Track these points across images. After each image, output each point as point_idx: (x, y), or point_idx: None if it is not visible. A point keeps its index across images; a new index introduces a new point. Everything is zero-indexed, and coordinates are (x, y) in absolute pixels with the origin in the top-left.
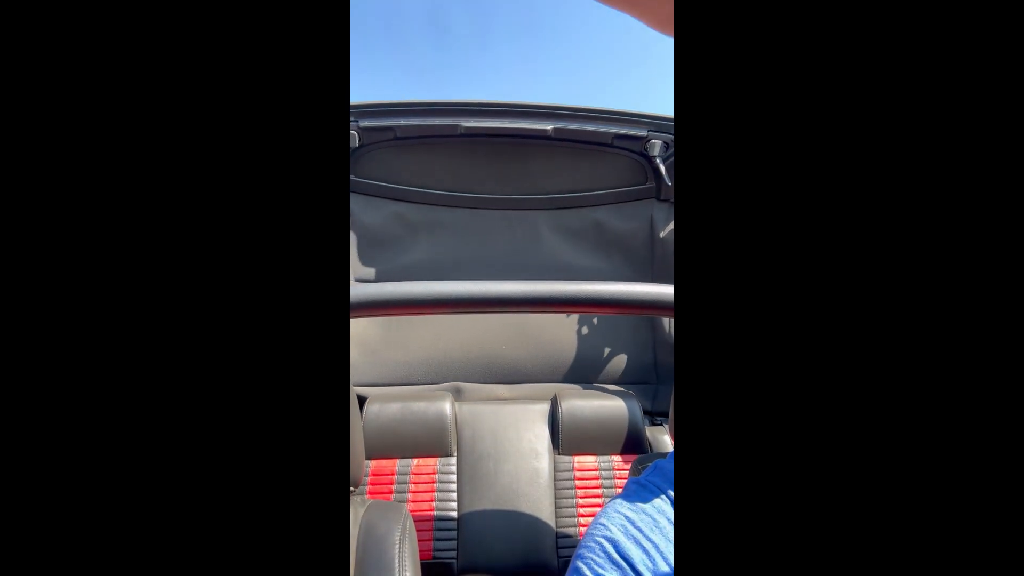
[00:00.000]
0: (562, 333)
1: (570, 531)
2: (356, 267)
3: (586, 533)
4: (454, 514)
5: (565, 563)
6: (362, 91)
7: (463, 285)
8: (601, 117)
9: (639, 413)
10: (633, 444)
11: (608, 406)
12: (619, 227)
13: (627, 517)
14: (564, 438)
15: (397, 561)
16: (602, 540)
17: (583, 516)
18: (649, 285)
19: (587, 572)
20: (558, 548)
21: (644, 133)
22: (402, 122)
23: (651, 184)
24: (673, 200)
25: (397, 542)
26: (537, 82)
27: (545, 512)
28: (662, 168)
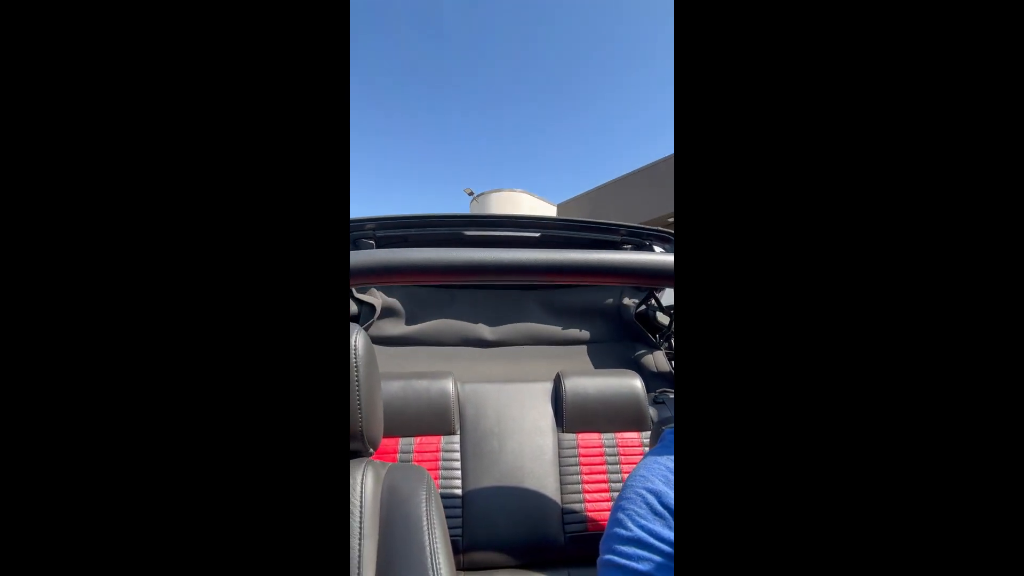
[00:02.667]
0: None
1: (576, 507)
2: (374, 328)
3: (625, 485)
4: (459, 491)
5: (571, 539)
6: (361, 85)
7: (465, 253)
8: (581, 226)
9: (642, 391)
10: (636, 421)
11: (611, 384)
12: (593, 300)
13: (668, 467)
14: (568, 416)
15: (425, 520)
16: (643, 492)
17: (588, 492)
18: (653, 254)
19: (630, 524)
20: (564, 524)
21: (618, 239)
22: (413, 232)
23: None
24: (641, 289)
25: (423, 501)
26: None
27: (550, 489)
28: None
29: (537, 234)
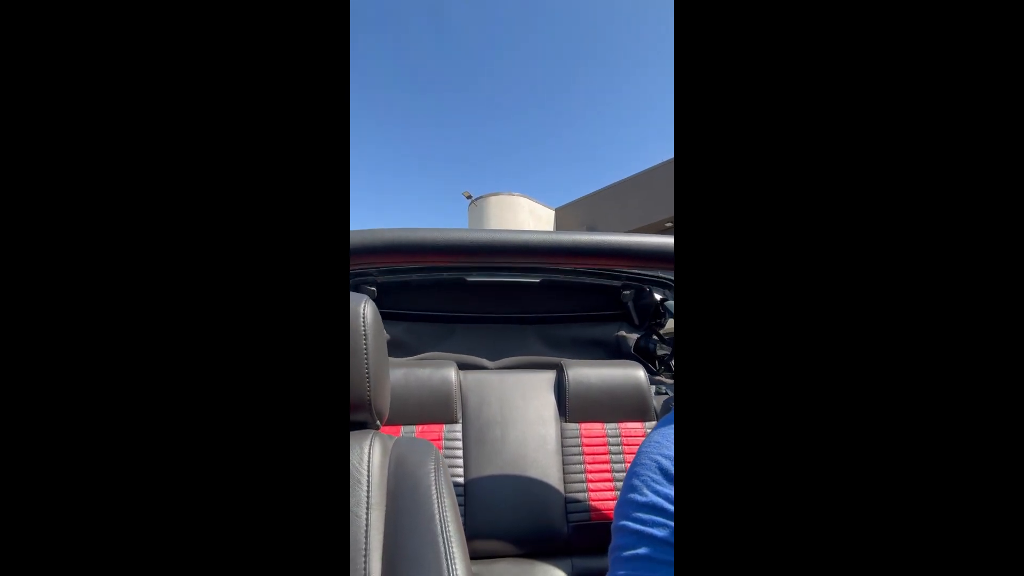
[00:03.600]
0: None
1: (579, 496)
2: None
3: (639, 452)
4: (461, 480)
5: (575, 529)
6: (360, 82)
7: (472, 234)
8: (581, 272)
9: (645, 381)
10: (640, 412)
11: (614, 374)
12: (592, 334)
13: None
14: (571, 405)
15: (434, 490)
16: (658, 457)
17: (592, 482)
18: (654, 237)
19: (645, 490)
20: (567, 514)
21: (619, 284)
22: (415, 277)
23: (620, 312)
24: (639, 325)
25: (432, 472)
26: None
27: (553, 478)
28: (631, 308)
29: (537, 279)
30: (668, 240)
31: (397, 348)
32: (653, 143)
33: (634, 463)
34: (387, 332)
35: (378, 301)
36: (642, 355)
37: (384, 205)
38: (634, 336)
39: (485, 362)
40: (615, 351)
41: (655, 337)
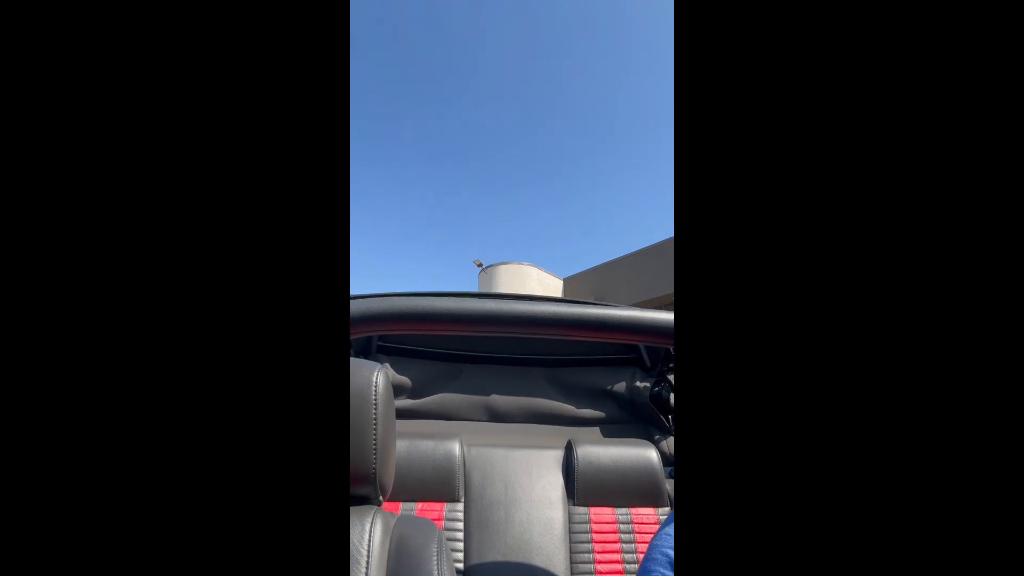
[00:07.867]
0: None
1: None
2: None
3: (650, 546)
4: (460, 565)
5: None
6: (363, 90)
7: (476, 303)
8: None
9: (658, 463)
10: (653, 496)
11: (626, 454)
12: (604, 382)
13: None
14: (580, 487)
15: (437, 574)
16: (669, 552)
17: (601, 573)
18: (656, 313)
19: None
20: None
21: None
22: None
23: (632, 356)
24: (651, 370)
25: (434, 555)
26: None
27: (560, 568)
28: (643, 351)
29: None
30: (668, 316)
31: (403, 391)
32: (663, 220)
33: (646, 557)
34: (396, 375)
35: (385, 337)
36: (656, 404)
37: (392, 272)
38: (646, 385)
39: (492, 404)
40: (628, 404)
41: (667, 383)
